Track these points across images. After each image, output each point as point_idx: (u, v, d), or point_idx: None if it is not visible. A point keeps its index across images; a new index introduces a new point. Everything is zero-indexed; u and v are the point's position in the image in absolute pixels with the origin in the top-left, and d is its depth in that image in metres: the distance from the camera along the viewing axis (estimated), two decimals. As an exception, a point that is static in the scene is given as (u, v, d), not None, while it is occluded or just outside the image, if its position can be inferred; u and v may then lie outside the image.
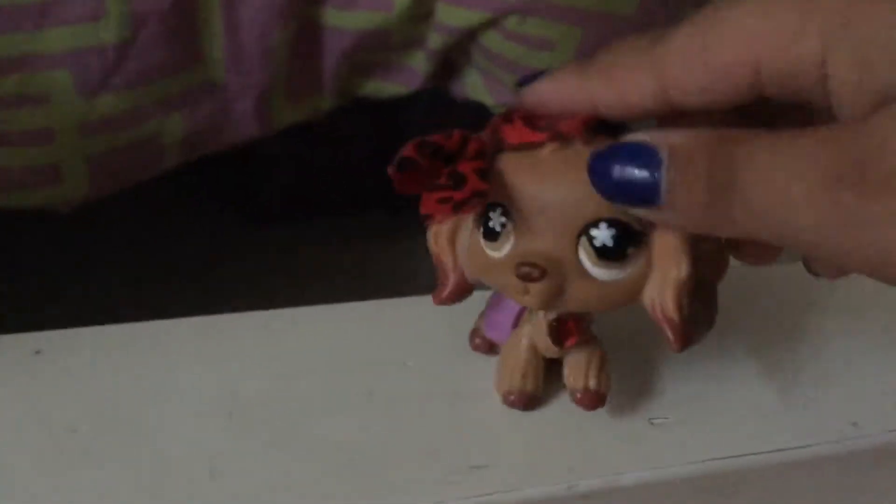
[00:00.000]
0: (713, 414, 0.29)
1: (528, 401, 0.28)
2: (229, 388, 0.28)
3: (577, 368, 0.27)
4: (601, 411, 0.28)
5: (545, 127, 0.25)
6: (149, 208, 0.66)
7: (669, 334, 0.25)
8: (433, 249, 0.27)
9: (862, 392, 0.30)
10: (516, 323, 0.28)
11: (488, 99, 0.59)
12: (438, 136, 0.25)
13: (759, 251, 0.27)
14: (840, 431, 0.28)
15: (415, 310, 0.32)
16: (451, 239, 0.27)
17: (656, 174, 0.22)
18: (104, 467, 0.25)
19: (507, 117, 0.25)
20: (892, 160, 0.20)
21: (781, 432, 0.28)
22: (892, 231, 0.20)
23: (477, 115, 0.61)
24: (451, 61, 0.58)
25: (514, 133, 0.25)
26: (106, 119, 0.51)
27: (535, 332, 0.27)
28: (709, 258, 0.26)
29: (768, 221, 0.22)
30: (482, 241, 0.26)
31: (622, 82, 0.25)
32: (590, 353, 0.27)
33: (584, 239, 0.25)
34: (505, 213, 0.25)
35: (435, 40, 0.56)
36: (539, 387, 0.28)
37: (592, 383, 0.27)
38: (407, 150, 0.24)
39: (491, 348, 0.30)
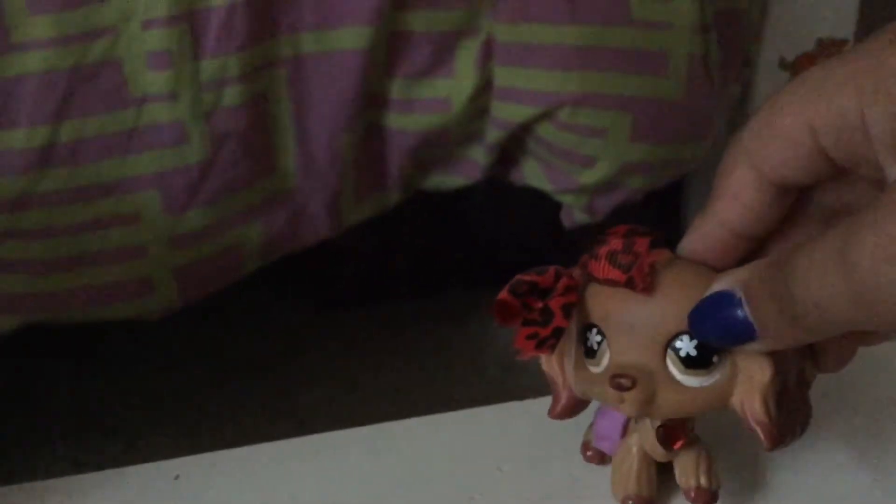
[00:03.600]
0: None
1: (646, 503, 0.31)
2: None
3: (687, 468, 0.30)
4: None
5: (624, 266, 0.28)
6: (227, 303, 0.69)
7: (760, 435, 0.28)
8: (545, 369, 0.31)
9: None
10: (624, 432, 0.31)
11: (546, 185, 0.61)
12: (535, 273, 0.28)
13: (834, 358, 0.29)
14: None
15: (503, 417, 0.34)
16: (559, 360, 0.30)
17: (742, 313, 0.26)
18: None
19: (593, 253, 0.29)
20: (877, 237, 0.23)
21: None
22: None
23: (534, 198, 0.63)
24: (508, 152, 0.61)
25: (599, 269, 0.29)
26: (192, 233, 0.55)
27: (644, 438, 0.30)
28: (794, 358, 0.29)
29: (826, 317, 0.24)
30: (584, 358, 0.29)
31: (732, 191, 0.28)
32: (697, 453, 0.30)
33: (670, 351, 0.28)
34: (600, 333, 0.29)
35: (492, 135, 0.59)
36: (653, 489, 0.31)
37: (703, 481, 0.30)
38: (503, 293, 0.28)
39: (602, 459, 0.32)
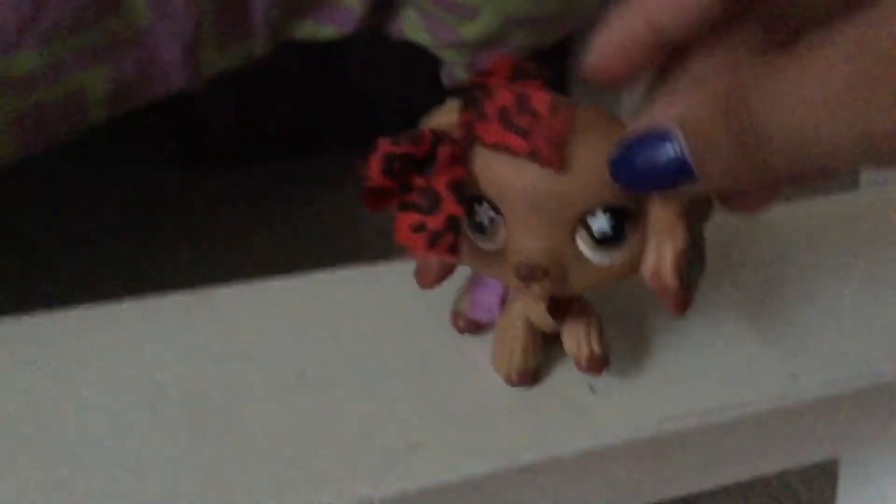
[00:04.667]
0: (653, 375, 0.29)
1: (533, 376, 0.28)
2: (151, 379, 0.27)
3: (577, 336, 0.27)
4: (541, 382, 0.28)
5: (522, 130, 0.23)
6: (83, 159, 0.64)
7: (670, 303, 0.25)
8: None
9: (802, 345, 0.29)
10: (503, 300, 0.27)
11: (426, 39, 0.57)
12: (406, 141, 0.23)
13: (756, 197, 0.26)
14: (781, 385, 0.28)
15: (344, 283, 0.31)
16: None
17: (679, 153, 0.22)
18: (19, 472, 0.24)
19: (479, 110, 0.24)
20: None
21: (722, 389, 0.28)
22: None
23: (412, 53, 0.59)
24: (387, 2, 0.56)
25: (490, 132, 0.24)
26: (26, 76, 0.49)
27: (529, 308, 0.26)
28: (699, 208, 0.25)
29: (804, 154, 0.21)
30: (470, 233, 0.25)
31: None
32: (587, 319, 0.27)
33: (581, 229, 0.24)
34: (493, 207, 0.24)
35: (368, -21, 0.54)
36: (540, 361, 0.28)
37: (596, 347, 0.27)
38: (373, 175, 0.23)
39: (477, 328, 0.29)
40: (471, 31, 0.55)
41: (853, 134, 0.20)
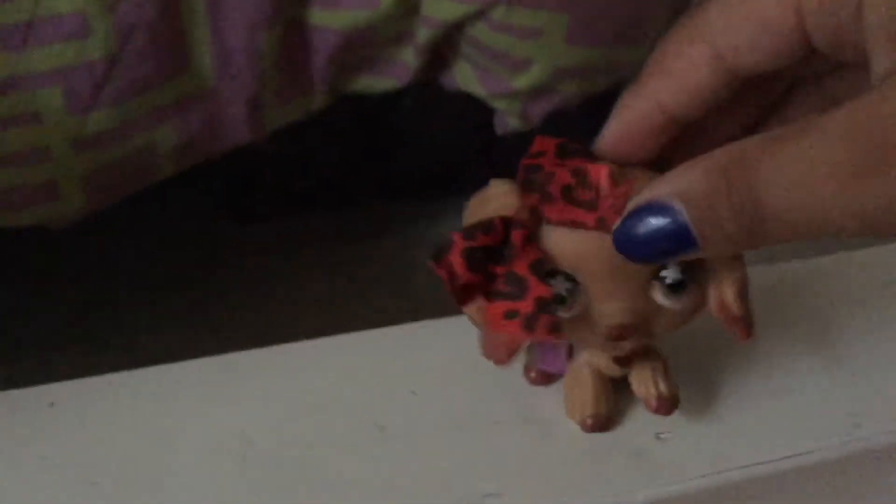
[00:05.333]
0: (717, 424, 0.29)
1: (605, 422, 0.29)
2: (241, 431, 0.28)
3: (644, 378, 0.29)
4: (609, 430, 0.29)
5: (587, 203, 0.25)
6: (139, 214, 0.66)
7: (737, 329, 0.27)
8: (472, 315, 0.27)
9: (864, 393, 0.30)
10: (570, 351, 0.29)
11: (479, 90, 0.59)
12: (480, 232, 0.24)
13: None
14: (844, 433, 0.29)
15: (419, 336, 0.32)
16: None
17: (680, 224, 0.23)
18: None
19: (541, 191, 0.25)
20: None
21: (786, 438, 0.29)
22: (892, 219, 0.21)
23: (466, 104, 0.61)
24: (440, 54, 0.58)
25: (556, 211, 0.25)
26: (99, 134, 0.51)
27: (595, 356, 0.28)
28: None
29: (801, 226, 0.22)
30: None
31: (677, 68, 0.25)
32: (652, 361, 0.29)
33: (655, 282, 0.26)
34: (568, 278, 0.26)
35: (423, 34, 0.56)
36: (612, 406, 0.29)
37: (663, 388, 0.28)
38: (459, 273, 0.24)
39: (548, 379, 0.30)
40: (522, 81, 0.56)
41: (848, 213, 0.21)
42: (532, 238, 0.25)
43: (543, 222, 0.25)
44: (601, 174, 0.25)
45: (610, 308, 0.26)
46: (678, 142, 0.26)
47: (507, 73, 0.56)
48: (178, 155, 0.55)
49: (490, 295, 0.25)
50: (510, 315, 0.24)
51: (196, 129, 0.54)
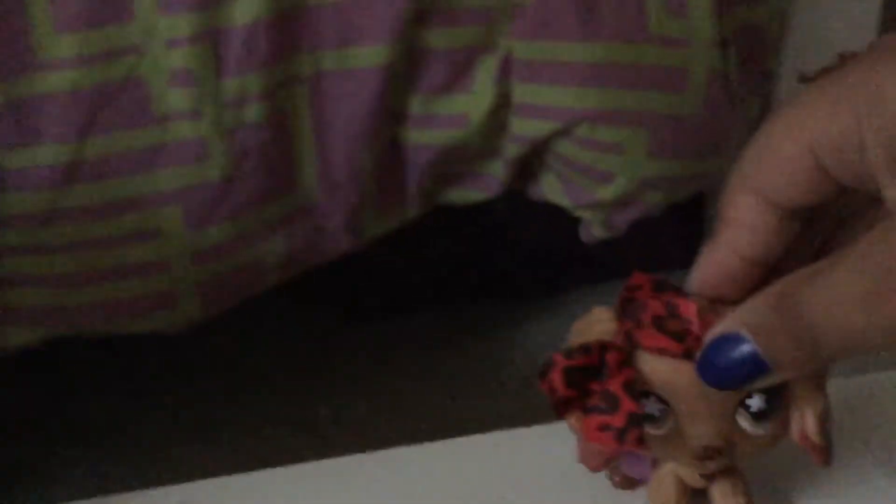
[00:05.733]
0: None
1: None
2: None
3: (725, 493, 0.30)
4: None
5: (675, 333, 0.28)
6: (250, 314, 0.70)
7: (817, 458, 0.29)
8: (575, 426, 0.29)
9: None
10: (655, 459, 0.31)
11: (564, 201, 0.61)
12: (579, 353, 0.28)
13: None
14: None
15: (506, 444, 0.34)
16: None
17: (752, 353, 0.26)
18: None
19: (635, 319, 0.28)
20: None
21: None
22: None
23: (556, 209, 0.63)
24: (527, 167, 0.61)
25: (648, 338, 0.28)
26: (214, 247, 0.55)
27: (680, 468, 0.30)
28: None
29: (847, 345, 0.25)
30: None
31: (735, 217, 0.28)
32: (734, 477, 0.31)
33: (741, 409, 0.28)
34: (660, 400, 0.28)
35: (511, 150, 0.59)
36: None
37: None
38: (559, 388, 0.27)
39: (632, 485, 0.32)
40: (607, 193, 0.59)
41: (877, 329, 0.24)
42: (626, 361, 0.28)
43: (637, 348, 0.28)
44: (691, 309, 0.28)
45: (700, 430, 0.28)
46: (768, 281, 0.29)
47: (591, 185, 0.59)
48: (285, 265, 0.58)
49: (587, 409, 0.28)
50: (604, 428, 0.27)
51: (301, 241, 0.58)
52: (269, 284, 0.59)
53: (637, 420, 0.27)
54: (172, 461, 0.64)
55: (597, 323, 0.29)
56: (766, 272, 0.29)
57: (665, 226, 0.70)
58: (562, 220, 0.65)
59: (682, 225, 0.73)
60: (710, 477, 0.30)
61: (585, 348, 0.28)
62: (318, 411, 0.66)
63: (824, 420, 0.28)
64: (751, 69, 0.61)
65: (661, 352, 0.28)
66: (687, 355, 0.28)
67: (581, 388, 0.28)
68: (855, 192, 0.27)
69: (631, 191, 0.59)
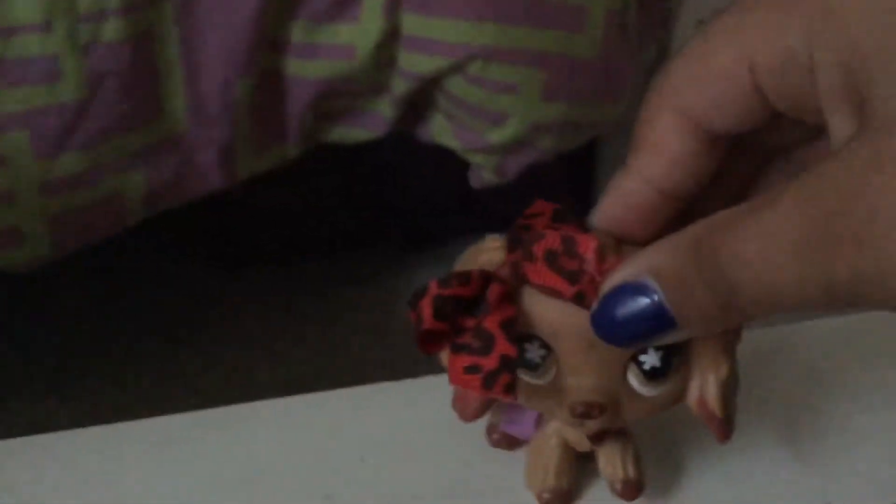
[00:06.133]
0: (686, 501, 0.28)
1: (565, 498, 0.28)
2: (176, 499, 0.27)
3: (612, 459, 0.27)
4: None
5: (569, 272, 0.24)
6: (117, 255, 0.65)
7: (716, 431, 0.25)
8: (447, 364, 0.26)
9: (836, 471, 0.29)
10: (538, 417, 0.28)
11: (454, 143, 0.58)
12: (455, 282, 0.24)
13: None
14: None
15: (374, 398, 0.30)
16: None
17: (657, 304, 0.22)
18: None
19: (526, 251, 0.24)
20: (859, 216, 0.20)
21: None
22: (853, 291, 0.20)
23: (445, 157, 0.60)
24: (416, 106, 0.58)
25: (537, 273, 0.24)
26: (66, 179, 0.50)
27: (566, 428, 0.27)
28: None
29: (771, 302, 0.21)
30: (519, 369, 0.25)
31: (652, 140, 0.24)
32: (623, 442, 0.27)
33: (632, 365, 0.25)
34: (543, 345, 0.25)
35: (399, 86, 0.55)
36: (574, 482, 0.28)
37: (631, 473, 0.27)
38: (425, 319, 0.23)
39: (512, 444, 0.29)
40: (498, 136, 0.56)
41: (812, 287, 0.21)
42: (510, 296, 0.24)
43: (525, 284, 0.24)
44: (589, 246, 0.24)
45: (579, 383, 0.25)
46: (684, 220, 0.25)
47: (482, 127, 0.56)
48: (147, 201, 0.54)
49: (456, 347, 0.24)
50: (472, 370, 0.23)
51: (166, 175, 0.53)
52: (132, 222, 0.54)
53: (510, 364, 0.23)
54: (25, 414, 0.59)
55: (486, 251, 0.25)
56: (681, 210, 0.25)
57: (556, 174, 0.67)
58: (452, 166, 0.62)
59: (572, 176, 0.71)
60: (597, 440, 0.26)
61: (465, 277, 0.24)
62: (193, 361, 0.62)
63: (728, 388, 0.25)
64: (649, 14, 0.58)
65: (550, 292, 0.24)
66: (578, 299, 0.24)
67: (454, 322, 0.24)
68: (791, 123, 0.24)
69: (523, 134, 0.56)
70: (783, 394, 0.32)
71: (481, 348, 0.23)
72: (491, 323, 0.24)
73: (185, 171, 0.54)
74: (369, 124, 0.58)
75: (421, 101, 0.57)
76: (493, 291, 0.24)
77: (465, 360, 0.24)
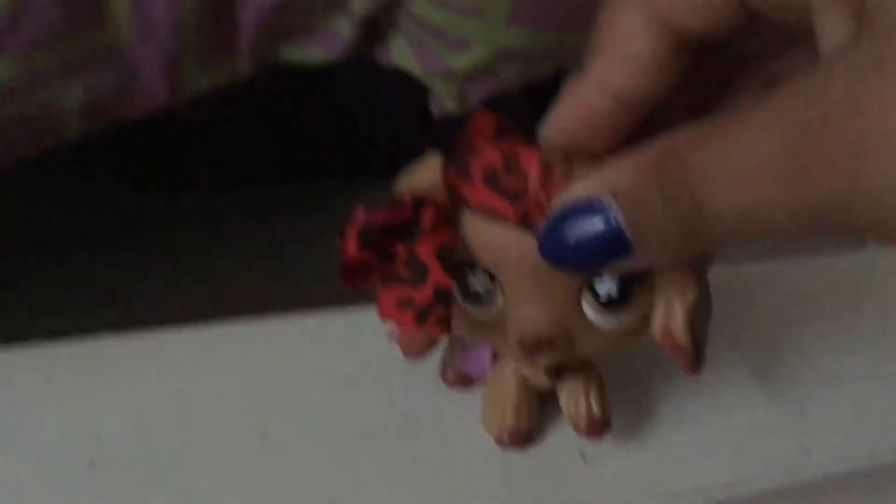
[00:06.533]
0: (653, 444, 0.27)
1: (524, 439, 0.26)
2: (92, 432, 0.24)
3: (575, 395, 0.25)
4: (533, 444, 0.26)
5: (511, 192, 0.21)
6: (62, 176, 0.62)
7: (684, 362, 0.23)
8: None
9: (814, 419, 0.28)
10: (495, 355, 0.26)
11: (416, 67, 0.56)
12: (385, 208, 0.21)
13: None
14: (792, 460, 0.27)
15: (318, 329, 0.28)
16: None
17: (613, 224, 0.20)
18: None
19: (463, 169, 0.22)
20: (858, 126, 0.18)
21: (727, 463, 0.26)
22: (839, 213, 0.18)
23: (403, 85, 0.58)
24: (377, 27, 0.55)
25: (476, 194, 0.22)
26: (0, 88, 0.47)
27: (523, 366, 0.25)
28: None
29: (740, 226, 0.19)
30: (462, 301, 0.23)
31: (613, 40, 0.22)
32: (587, 377, 0.25)
33: (586, 293, 0.22)
34: (488, 275, 0.23)
35: (359, 4, 0.53)
36: (533, 421, 0.26)
37: (596, 410, 0.25)
38: (349, 248, 0.21)
39: (467, 383, 0.27)
40: (460, 62, 0.54)
41: (786, 210, 0.19)
42: (446, 221, 0.22)
43: (464, 206, 0.22)
44: (532, 161, 0.21)
45: (526, 314, 0.22)
46: (645, 132, 0.23)
47: (444, 51, 0.54)
48: (87, 114, 0.51)
49: (386, 279, 0.22)
50: (404, 303, 0.21)
51: (108, 88, 0.50)
52: (69, 136, 0.51)
53: (445, 296, 0.21)
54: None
55: (424, 171, 0.23)
56: (641, 123, 0.23)
57: (520, 109, 0.65)
58: (410, 97, 0.59)
59: (537, 110, 0.68)
60: (555, 375, 0.24)
61: (394, 203, 0.22)
62: (129, 286, 0.59)
63: (693, 316, 0.23)
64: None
65: (491, 215, 0.22)
66: (523, 221, 0.22)
67: (378, 250, 0.22)
68: (767, 29, 0.22)
69: (487, 61, 0.53)
70: (757, 334, 0.30)
71: (414, 279, 0.21)
72: (424, 251, 0.21)
73: (128, 84, 0.51)
74: (327, 43, 0.55)
75: (382, 21, 0.55)
76: (427, 216, 0.22)
77: (397, 292, 0.22)
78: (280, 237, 0.63)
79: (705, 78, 0.23)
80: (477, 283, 0.23)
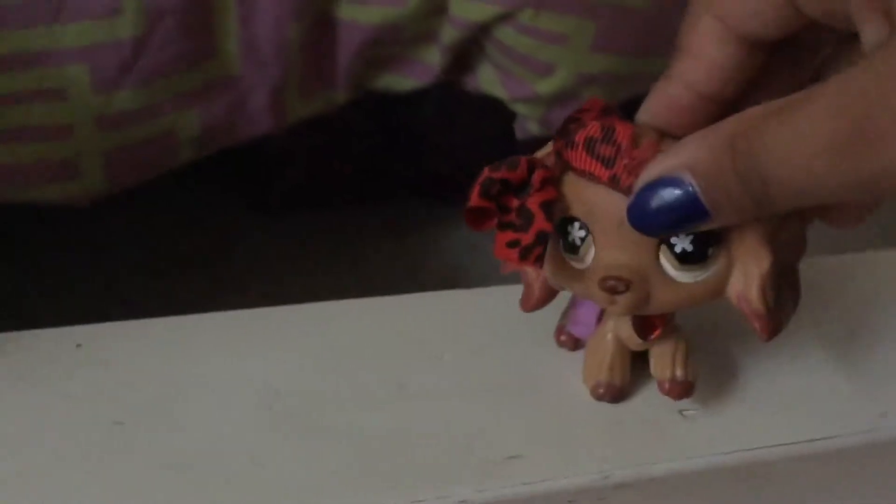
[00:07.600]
0: (743, 404, 0.29)
1: (617, 393, 0.29)
2: (263, 381, 0.28)
3: (662, 359, 0.28)
4: (634, 403, 0.29)
5: (606, 158, 0.25)
6: (160, 199, 0.66)
7: (757, 326, 0.26)
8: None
9: (892, 384, 0.30)
10: (600, 318, 0.29)
11: (502, 93, 0.59)
12: (504, 167, 0.26)
13: (845, 214, 0.27)
14: (869, 422, 0.29)
15: (447, 303, 0.32)
16: None
17: (691, 196, 0.23)
18: (148, 460, 0.25)
19: (569, 139, 0.26)
20: (889, 116, 0.21)
21: (811, 422, 0.29)
22: (891, 181, 0.21)
23: (490, 108, 0.61)
24: (464, 55, 0.58)
25: (577, 159, 0.26)
26: (122, 114, 0.51)
27: (620, 325, 0.28)
28: (789, 241, 0.27)
29: (803, 194, 0.22)
30: (563, 252, 0.27)
31: (693, 46, 0.25)
32: (675, 343, 0.28)
33: (664, 246, 0.26)
34: (583, 227, 0.26)
35: (449, 35, 0.56)
36: (626, 379, 0.29)
37: (679, 373, 0.28)
38: (474, 196, 0.26)
39: (576, 344, 0.31)
40: (546, 86, 0.57)
41: (840, 183, 0.22)
42: (551, 180, 0.26)
43: (568, 169, 0.26)
44: (625, 133, 0.25)
45: (611, 259, 0.26)
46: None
47: (530, 77, 0.57)
48: (200, 140, 0.55)
49: (502, 225, 0.26)
50: (512, 244, 0.26)
51: (218, 116, 0.54)
52: (183, 160, 0.55)
53: (543, 238, 0.26)
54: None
55: (545, 148, 0.28)
56: (723, 111, 0.26)
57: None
58: (493, 123, 0.62)
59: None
60: (646, 333, 0.28)
61: (514, 163, 0.26)
62: (222, 299, 0.63)
63: (768, 283, 0.26)
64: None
65: (588, 175, 0.26)
66: (613, 181, 0.25)
67: (496, 201, 0.26)
68: (825, 30, 0.25)
69: (571, 85, 0.56)
70: (839, 318, 0.33)
71: (522, 225, 0.26)
72: (532, 203, 0.26)
73: (237, 112, 0.55)
74: (418, 73, 0.59)
75: (470, 50, 0.58)
76: (537, 175, 0.26)
77: (508, 236, 0.26)
78: (367, 256, 0.66)
79: (777, 72, 0.26)
80: (574, 233, 0.27)
